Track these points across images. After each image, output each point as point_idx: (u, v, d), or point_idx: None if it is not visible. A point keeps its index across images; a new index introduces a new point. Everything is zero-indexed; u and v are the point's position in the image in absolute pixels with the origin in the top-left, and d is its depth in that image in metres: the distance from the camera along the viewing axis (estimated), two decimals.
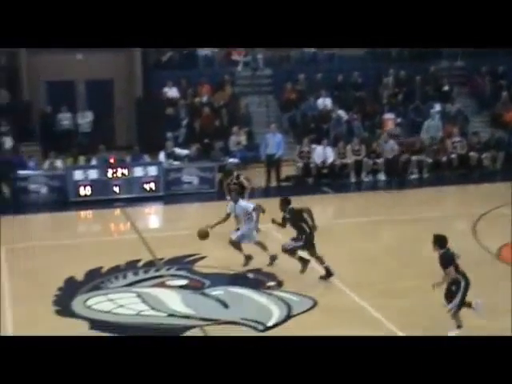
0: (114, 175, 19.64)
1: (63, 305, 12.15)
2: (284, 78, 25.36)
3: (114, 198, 19.49)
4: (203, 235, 13.61)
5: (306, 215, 13.03)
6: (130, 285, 13.08)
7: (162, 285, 13.00)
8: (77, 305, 12.15)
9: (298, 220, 12.97)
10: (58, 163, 20.77)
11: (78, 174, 19.63)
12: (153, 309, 11.93)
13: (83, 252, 15.21)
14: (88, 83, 25.12)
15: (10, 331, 11.05)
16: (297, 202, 13.51)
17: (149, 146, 22.23)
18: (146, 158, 21.06)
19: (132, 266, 13.98)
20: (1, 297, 12.45)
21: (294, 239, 13.03)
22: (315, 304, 11.94)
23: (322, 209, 19.37)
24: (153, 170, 20.07)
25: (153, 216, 19.60)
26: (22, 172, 20.04)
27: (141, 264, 14.08)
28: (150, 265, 14.05)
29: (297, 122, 24.71)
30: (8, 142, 22.19)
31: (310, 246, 12.98)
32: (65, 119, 23.58)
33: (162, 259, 14.25)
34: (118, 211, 18.92)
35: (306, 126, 24.17)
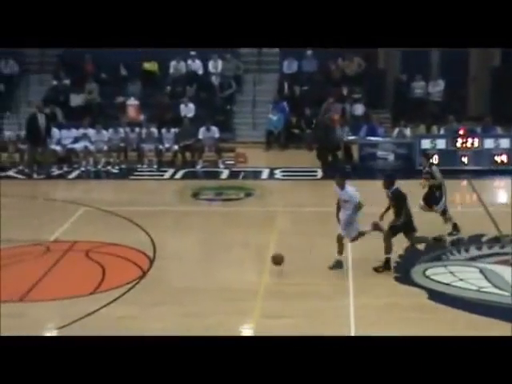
0: (464, 145, 19.20)
1: (403, 272, 12.14)
2: None
3: (462, 169, 19.01)
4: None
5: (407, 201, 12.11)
6: (472, 259, 12.66)
7: (507, 263, 12.36)
8: (416, 273, 12.08)
9: (401, 202, 12.02)
10: (407, 131, 20.87)
11: (426, 143, 19.55)
12: (495, 286, 11.43)
13: (423, 220, 14.98)
14: (443, 52, 24.65)
15: (350, 296, 11.32)
16: None
17: (502, 117, 21.24)
18: (498, 130, 20.28)
19: (475, 239, 13.51)
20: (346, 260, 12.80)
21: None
22: None
23: None
24: (505, 143, 19.28)
25: (502, 190, 18.69)
26: (371, 138, 20.49)
27: (485, 239, 13.55)
28: (494, 240, 13.46)
29: None
30: (359, 109, 22.83)
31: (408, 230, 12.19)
32: (418, 88, 23.47)
33: (508, 236, 13.53)
34: (464, 182, 18.39)
35: None
